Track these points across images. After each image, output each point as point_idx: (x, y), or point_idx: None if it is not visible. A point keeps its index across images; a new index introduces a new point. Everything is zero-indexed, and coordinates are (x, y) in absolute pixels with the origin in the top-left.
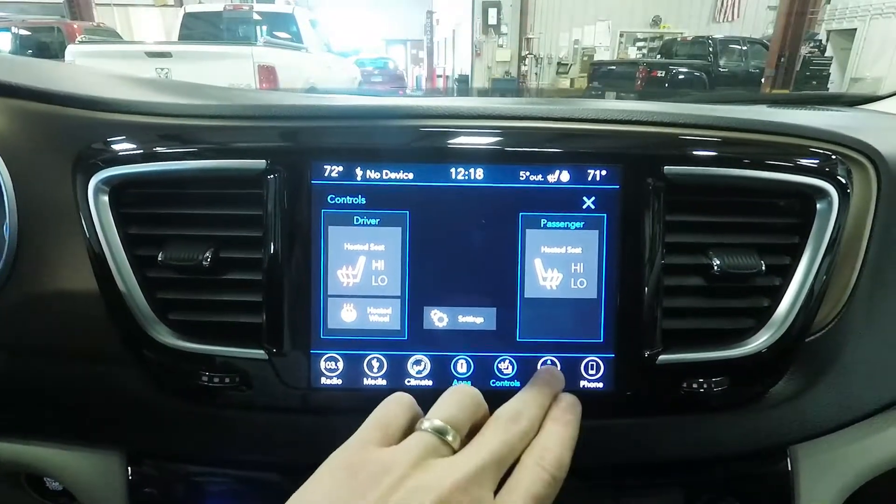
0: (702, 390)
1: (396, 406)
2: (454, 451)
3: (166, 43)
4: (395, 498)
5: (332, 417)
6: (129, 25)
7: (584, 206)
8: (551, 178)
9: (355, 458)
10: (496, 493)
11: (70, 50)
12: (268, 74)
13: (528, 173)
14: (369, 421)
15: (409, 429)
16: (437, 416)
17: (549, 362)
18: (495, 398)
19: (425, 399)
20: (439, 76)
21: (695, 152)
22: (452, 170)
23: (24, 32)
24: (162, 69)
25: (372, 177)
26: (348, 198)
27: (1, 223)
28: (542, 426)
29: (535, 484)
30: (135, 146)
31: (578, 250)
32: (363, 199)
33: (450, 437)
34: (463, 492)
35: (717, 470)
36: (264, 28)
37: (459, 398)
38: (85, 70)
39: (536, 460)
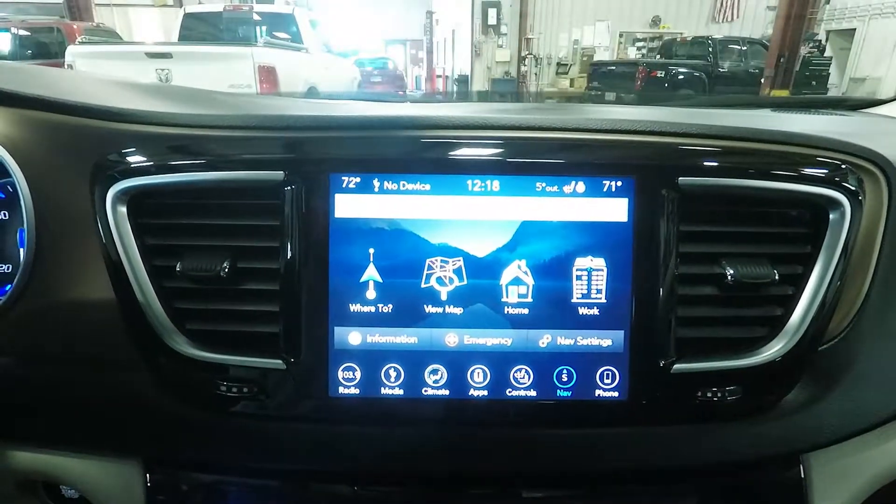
0: (716, 399)
1: None
2: None
3: (166, 44)
4: None
5: (349, 427)
6: (128, 26)
7: (600, 217)
8: (567, 189)
9: None
10: None
11: (70, 51)
12: (268, 75)
13: (544, 185)
14: None
15: None
16: None
17: (564, 372)
18: (511, 408)
19: (442, 409)
20: (439, 76)
21: (709, 163)
22: (469, 181)
23: (23, 33)
24: (162, 70)
25: (389, 188)
26: (366, 208)
27: (18, 231)
28: None
29: None
30: (152, 157)
31: (594, 261)
32: (380, 209)
33: None
34: None
35: (730, 477)
36: (264, 28)
37: None
38: (96, 78)
39: None
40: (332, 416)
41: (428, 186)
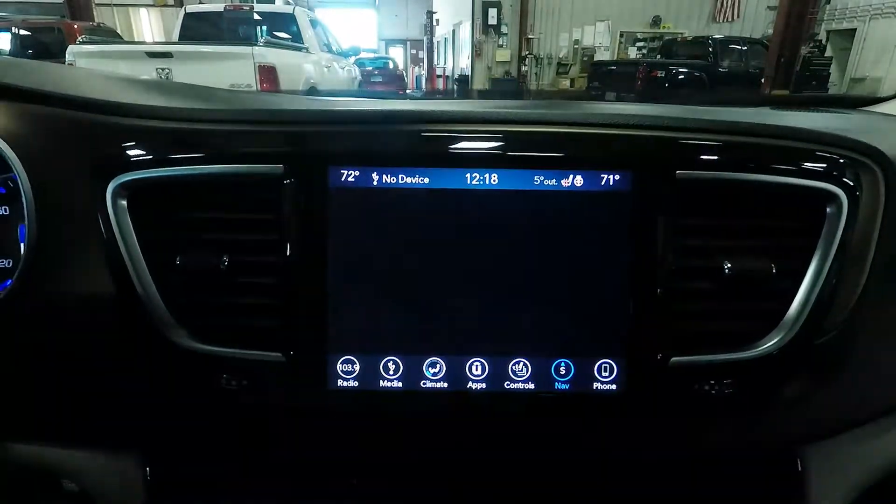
0: (713, 392)
1: None
2: None
3: (167, 43)
4: None
5: (348, 419)
6: (128, 26)
7: (598, 210)
8: (565, 182)
9: None
10: None
11: (71, 50)
12: (268, 74)
13: (542, 178)
14: None
15: None
16: None
17: (562, 365)
18: (509, 400)
19: (441, 401)
20: (439, 76)
21: (706, 157)
22: (468, 175)
23: (24, 32)
24: (162, 69)
25: (388, 181)
26: (365, 201)
27: (19, 226)
28: None
29: None
30: (153, 151)
31: (592, 253)
32: (379, 202)
33: None
34: None
35: (728, 470)
36: (265, 28)
37: None
38: (97, 74)
39: None
40: (330, 409)
41: (427, 180)
